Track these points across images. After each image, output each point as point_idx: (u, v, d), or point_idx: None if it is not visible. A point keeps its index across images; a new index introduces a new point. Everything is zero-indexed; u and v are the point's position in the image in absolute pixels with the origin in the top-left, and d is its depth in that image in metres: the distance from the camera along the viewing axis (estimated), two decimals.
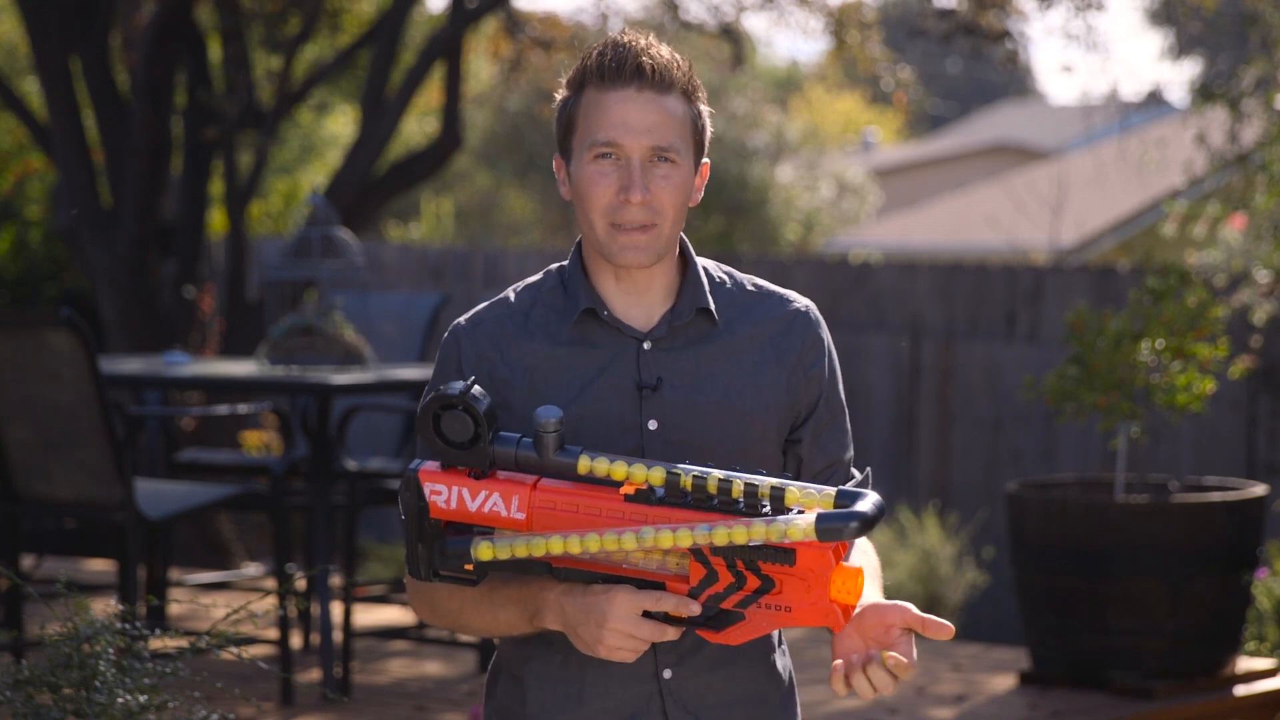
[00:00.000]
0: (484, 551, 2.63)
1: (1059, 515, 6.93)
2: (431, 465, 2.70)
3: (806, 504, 2.56)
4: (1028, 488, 7.36)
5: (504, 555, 2.62)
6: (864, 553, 2.87)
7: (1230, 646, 6.97)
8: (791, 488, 2.56)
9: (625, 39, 2.82)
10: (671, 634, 2.65)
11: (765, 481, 2.56)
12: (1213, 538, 6.87)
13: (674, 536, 2.54)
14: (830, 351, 2.92)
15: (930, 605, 9.60)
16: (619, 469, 2.60)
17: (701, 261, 2.91)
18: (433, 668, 7.26)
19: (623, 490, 2.61)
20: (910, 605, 2.67)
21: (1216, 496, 6.98)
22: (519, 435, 2.67)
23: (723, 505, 2.57)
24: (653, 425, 2.81)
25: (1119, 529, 6.83)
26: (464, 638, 7.26)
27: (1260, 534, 7.04)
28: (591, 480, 2.64)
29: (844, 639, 2.66)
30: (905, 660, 2.62)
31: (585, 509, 2.62)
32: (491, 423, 2.65)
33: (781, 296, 2.91)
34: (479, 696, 6.72)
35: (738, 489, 2.56)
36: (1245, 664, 7.15)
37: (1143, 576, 6.81)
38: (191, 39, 10.57)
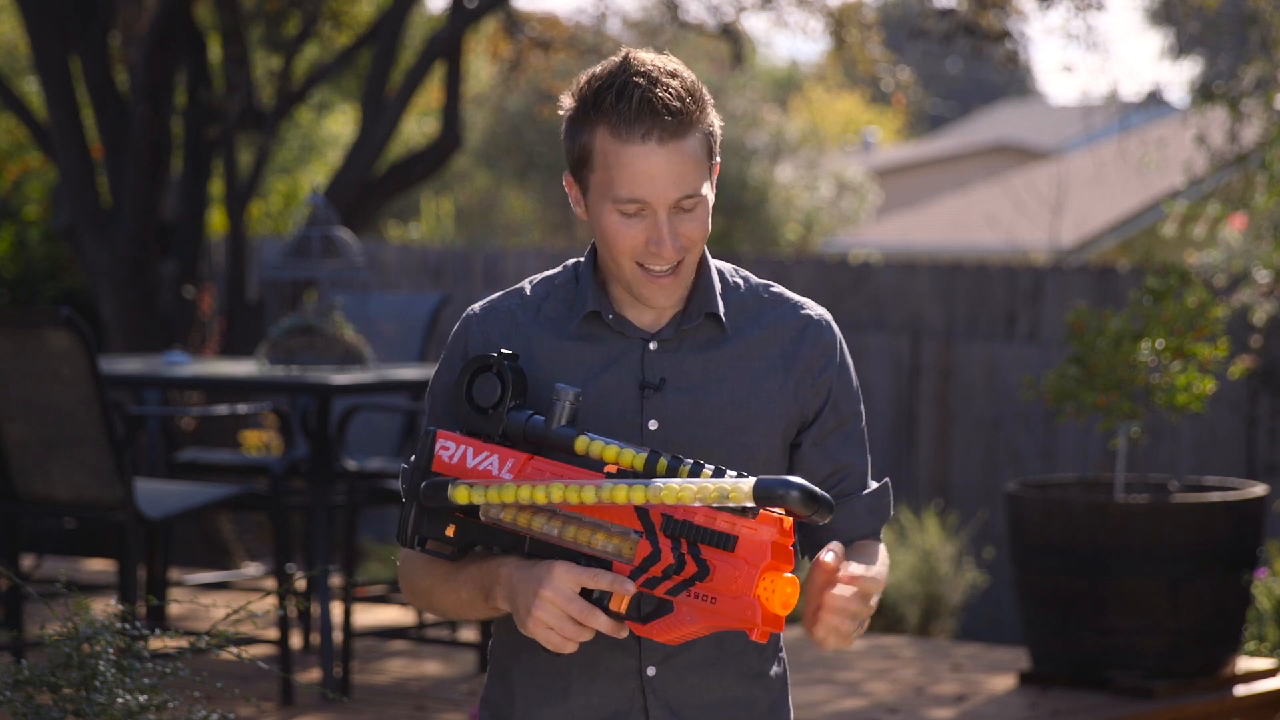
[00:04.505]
0: (460, 494, 2.70)
1: (1059, 515, 6.93)
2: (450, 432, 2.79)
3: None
4: (1028, 488, 7.36)
5: (478, 499, 2.69)
6: (879, 558, 2.86)
7: (1230, 646, 6.97)
8: (729, 476, 2.61)
9: (634, 75, 2.73)
10: (603, 622, 2.64)
11: (708, 470, 2.63)
12: (1212, 538, 6.87)
13: (629, 491, 2.61)
14: (843, 359, 2.89)
15: (930, 605, 9.61)
16: (610, 451, 2.67)
17: (717, 265, 2.89)
18: (433, 668, 7.26)
19: (606, 469, 2.68)
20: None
21: (1216, 496, 6.98)
22: (531, 411, 2.74)
23: None
24: (653, 425, 2.81)
25: (1119, 529, 6.83)
26: (464, 637, 7.27)
27: (1260, 534, 7.04)
28: (585, 462, 2.71)
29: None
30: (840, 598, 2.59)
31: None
32: (519, 391, 2.74)
33: (796, 304, 2.90)
34: (479, 696, 6.72)
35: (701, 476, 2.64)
36: (1245, 664, 7.15)
37: (1142, 576, 6.81)
38: (191, 39, 10.57)
